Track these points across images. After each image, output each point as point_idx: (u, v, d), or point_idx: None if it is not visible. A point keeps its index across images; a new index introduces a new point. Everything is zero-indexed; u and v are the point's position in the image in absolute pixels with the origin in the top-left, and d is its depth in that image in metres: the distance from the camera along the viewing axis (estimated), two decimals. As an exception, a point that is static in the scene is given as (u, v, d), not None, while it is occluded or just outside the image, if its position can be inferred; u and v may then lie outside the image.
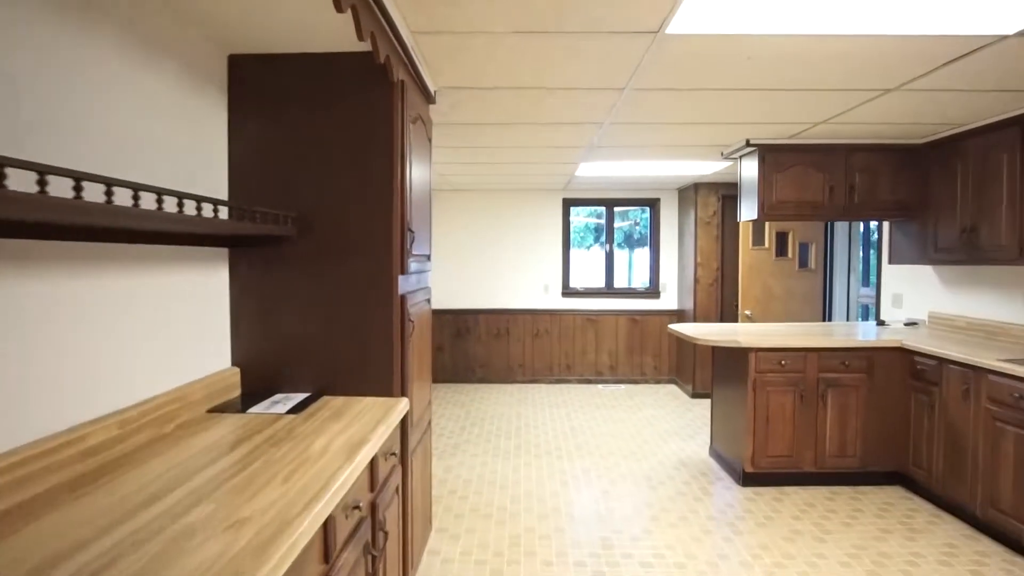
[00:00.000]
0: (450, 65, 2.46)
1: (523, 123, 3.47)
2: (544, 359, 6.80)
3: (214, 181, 2.08)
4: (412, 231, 2.22)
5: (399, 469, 2.11)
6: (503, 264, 6.79)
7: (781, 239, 5.73)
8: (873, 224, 5.97)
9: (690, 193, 6.19)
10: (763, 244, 5.70)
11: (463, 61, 2.41)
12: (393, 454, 1.98)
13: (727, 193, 6.01)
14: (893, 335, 3.86)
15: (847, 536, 3.07)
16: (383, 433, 1.80)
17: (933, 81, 2.65)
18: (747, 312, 5.63)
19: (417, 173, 2.40)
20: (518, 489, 3.73)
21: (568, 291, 6.79)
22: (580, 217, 8.85)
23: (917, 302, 4.38)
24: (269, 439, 1.65)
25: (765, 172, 3.90)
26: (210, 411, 1.95)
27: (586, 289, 6.83)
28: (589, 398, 6.13)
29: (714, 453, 4.26)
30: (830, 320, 5.90)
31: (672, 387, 6.63)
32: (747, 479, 3.69)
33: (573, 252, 6.96)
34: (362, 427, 1.79)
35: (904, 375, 3.61)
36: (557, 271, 6.79)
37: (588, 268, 7.49)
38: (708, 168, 5.12)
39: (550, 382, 6.80)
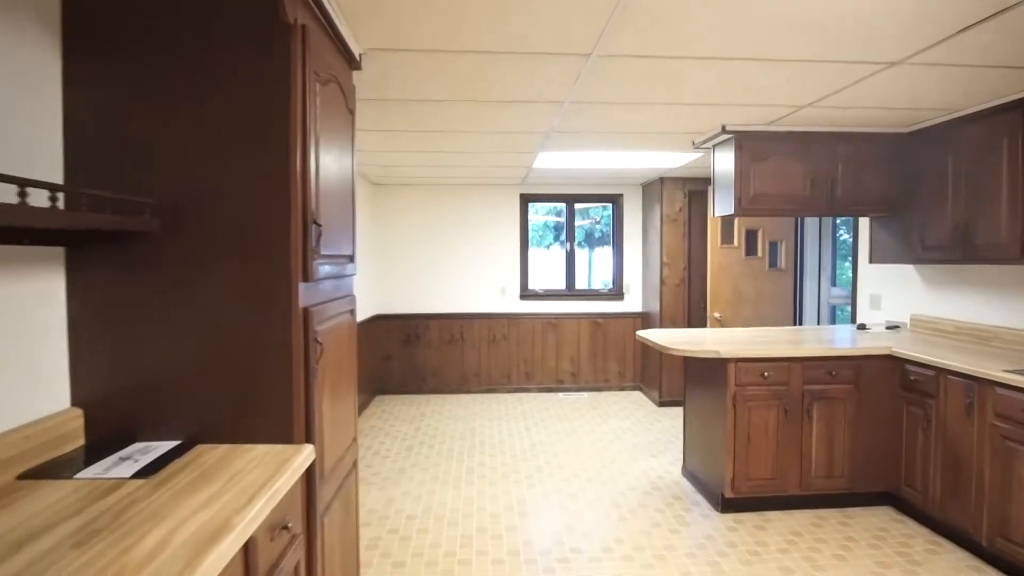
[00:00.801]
0: (372, 15, 1.94)
1: (469, 100, 2.97)
2: (502, 366, 6.32)
3: (41, 156, 1.51)
4: (319, 224, 1.70)
5: (300, 542, 1.59)
6: (456, 265, 6.28)
7: (751, 237, 5.41)
8: (839, 221, 5.74)
9: (655, 188, 5.82)
10: (732, 242, 5.38)
11: (388, 10, 1.90)
12: (286, 528, 1.46)
13: (694, 188, 5.66)
14: (876, 340, 3.54)
15: (842, 571, 2.70)
16: (267, 502, 1.28)
17: (942, 54, 2.29)
18: (716, 315, 5.30)
19: (331, 151, 1.88)
20: (470, 525, 3.23)
21: (527, 293, 6.33)
22: (539, 216, 8.43)
23: (897, 304, 4.10)
24: (79, 532, 1.11)
25: (742, 163, 3.52)
26: (23, 476, 1.38)
27: (546, 291, 6.39)
28: (550, 408, 5.69)
29: (687, 473, 3.87)
30: (801, 323, 5.63)
31: (637, 394, 6.26)
32: (727, 504, 3.30)
33: (532, 252, 6.50)
34: (237, 496, 1.27)
35: (894, 386, 3.29)
36: (515, 272, 6.32)
37: (548, 269, 7.06)
38: (676, 160, 4.74)
39: (508, 391, 6.33)
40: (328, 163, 1.84)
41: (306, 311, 1.65)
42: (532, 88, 2.77)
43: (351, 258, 2.21)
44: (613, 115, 3.29)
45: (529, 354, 6.33)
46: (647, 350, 6.14)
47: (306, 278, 1.64)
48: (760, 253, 5.41)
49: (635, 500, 3.54)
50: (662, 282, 5.71)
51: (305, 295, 1.66)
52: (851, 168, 3.57)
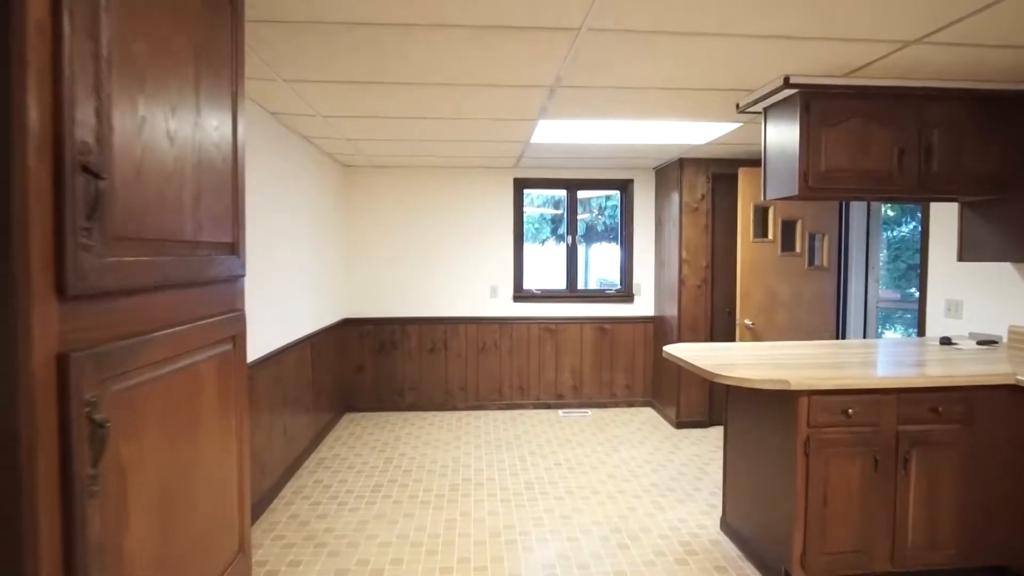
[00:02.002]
0: None
1: (436, 25, 2.09)
2: (492, 379, 5.45)
3: None
4: (100, 177, 0.81)
5: None
6: (440, 262, 5.39)
7: (787, 229, 4.57)
8: (887, 208, 4.90)
9: (672, 172, 4.96)
10: (766, 236, 4.53)
11: None
12: None
13: (719, 171, 4.80)
14: (988, 364, 2.70)
15: None
16: None
17: None
18: (748, 322, 4.45)
19: (157, 37, 0.99)
20: (446, 617, 2.36)
21: (521, 295, 5.45)
22: (535, 208, 7.54)
23: (987, 312, 3.26)
24: None
25: (810, 128, 2.66)
26: None
27: (543, 292, 5.52)
28: (549, 430, 4.82)
29: (729, 529, 3.01)
30: (844, 332, 4.79)
31: (649, 412, 5.41)
32: (793, 585, 2.45)
33: (527, 248, 5.63)
34: None
35: (1020, 427, 2.45)
36: (507, 270, 5.44)
37: (545, 267, 6.19)
38: (704, 134, 3.88)
39: (500, 408, 5.46)
40: (144, 55, 0.95)
41: (62, 360, 0.77)
42: (531, 12, 1.89)
43: (233, 249, 1.31)
44: (634, 64, 2.41)
45: (524, 365, 5.47)
46: (661, 360, 5.29)
47: (62, 287, 0.76)
48: (798, 248, 4.56)
49: (664, 571, 2.69)
50: (680, 282, 4.85)
51: (64, 324, 0.77)
52: (951, 136, 2.72)
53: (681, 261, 4.84)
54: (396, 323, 5.36)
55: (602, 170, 5.40)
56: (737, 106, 3.07)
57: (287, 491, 3.60)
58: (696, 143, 4.16)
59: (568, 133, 3.85)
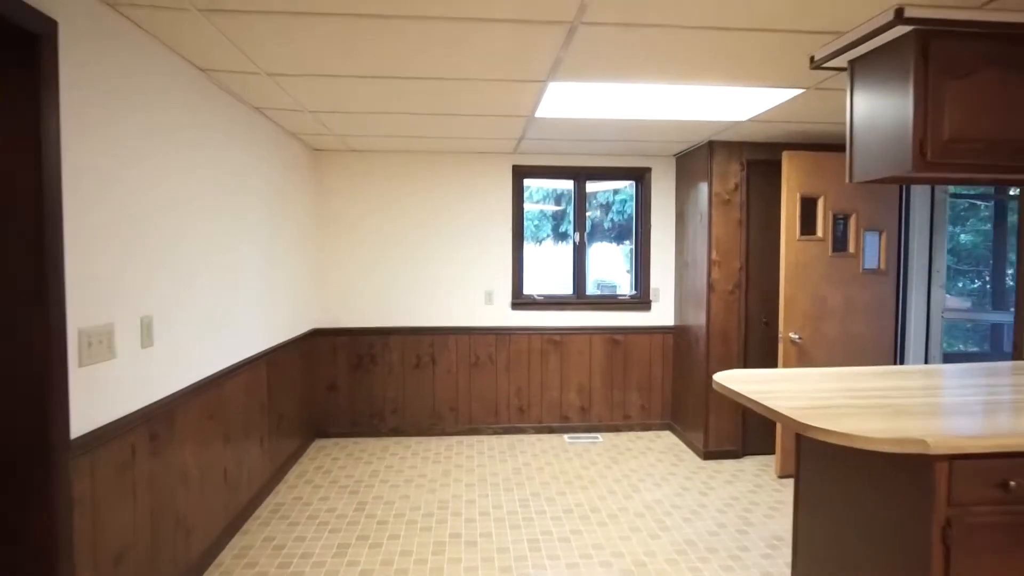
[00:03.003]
0: None
1: None
2: (487, 399, 4.70)
3: None
4: None
5: None
6: (426, 263, 4.63)
7: (839, 226, 3.85)
8: (952, 200, 4.19)
9: (699, 158, 4.22)
10: (813, 232, 3.80)
11: None
12: None
13: (755, 157, 4.07)
14: None
15: None
16: None
17: None
18: (794, 335, 3.72)
19: None
20: None
21: (521, 301, 4.70)
22: (532, 203, 6.78)
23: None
24: None
25: (929, 80, 1.92)
26: None
27: (547, 298, 4.77)
28: (553, 461, 4.08)
29: (803, 619, 2.28)
30: (903, 348, 4.05)
31: (668, 437, 4.67)
32: None
33: (528, 248, 4.88)
34: None
35: None
36: (505, 273, 4.69)
37: (547, 269, 5.46)
38: (752, 105, 3.14)
39: (496, 432, 4.70)
40: None
41: None
42: None
43: None
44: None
45: (524, 382, 4.72)
46: (682, 377, 4.55)
47: None
48: (852, 248, 3.84)
49: None
50: (710, 287, 4.12)
51: None
52: (1119, 92, 2.00)
53: (711, 262, 4.10)
54: (376, 334, 4.60)
55: (615, 156, 4.66)
56: (811, 60, 2.33)
57: (226, 555, 2.83)
58: (735, 119, 3.42)
59: (581, 105, 3.11)
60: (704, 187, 4.14)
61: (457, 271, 4.63)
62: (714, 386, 2.37)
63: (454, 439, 4.60)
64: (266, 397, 3.50)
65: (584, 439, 4.61)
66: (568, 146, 4.30)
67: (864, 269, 3.86)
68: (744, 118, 3.39)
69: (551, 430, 4.74)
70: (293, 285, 3.99)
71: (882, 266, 3.89)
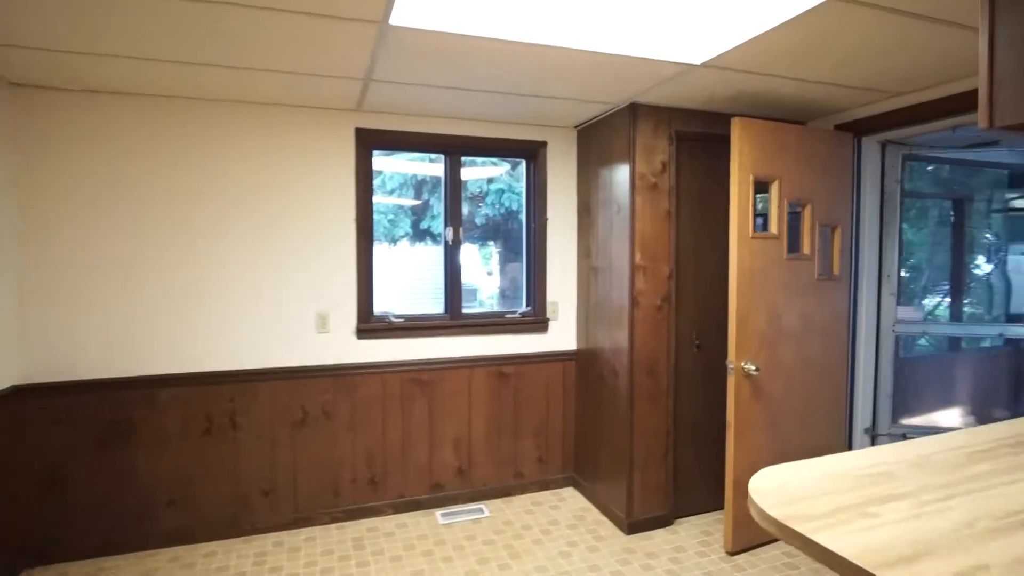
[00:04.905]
0: None
1: None
2: (321, 472, 3.20)
3: None
4: None
5: None
6: (219, 273, 3.01)
7: (793, 221, 2.99)
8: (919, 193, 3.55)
9: (615, 129, 3.15)
10: (765, 227, 2.90)
11: None
12: None
13: (686, 129, 3.09)
14: None
15: None
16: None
17: None
18: (749, 366, 2.76)
19: None
20: None
21: (371, 326, 3.27)
22: (385, 196, 5.33)
23: None
24: None
25: None
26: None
27: (409, 321, 3.39)
28: (422, 561, 2.72)
29: None
30: (852, 369, 3.29)
31: (573, 497, 3.54)
32: None
33: (378, 250, 3.48)
34: None
35: None
36: (347, 287, 3.23)
37: (407, 280, 4.08)
38: (719, 38, 2.09)
39: (335, 519, 3.22)
40: None
41: None
42: None
43: None
44: None
45: (377, 442, 3.29)
46: (586, 416, 3.45)
47: None
48: (806, 249, 3.00)
49: None
50: (633, 301, 3.05)
51: None
52: None
53: (633, 268, 3.04)
54: (135, 387, 2.88)
55: (500, 124, 3.44)
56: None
57: None
58: (685, 61, 2.36)
59: (461, 11, 1.83)
60: (624, 168, 3.07)
61: (271, 285, 3.08)
62: (768, 526, 1.20)
63: (271, 538, 3.04)
64: None
65: (464, 515, 3.31)
66: (437, 101, 2.98)
67: (819, 276, 3.04)
68: (700, 60, 2.34)
69: (418, 506, 3.37)
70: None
71: (836, 270, 3.11)
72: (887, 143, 3.16)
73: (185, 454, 2.96)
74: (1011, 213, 4.65)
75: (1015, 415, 4.65)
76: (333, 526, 3.17)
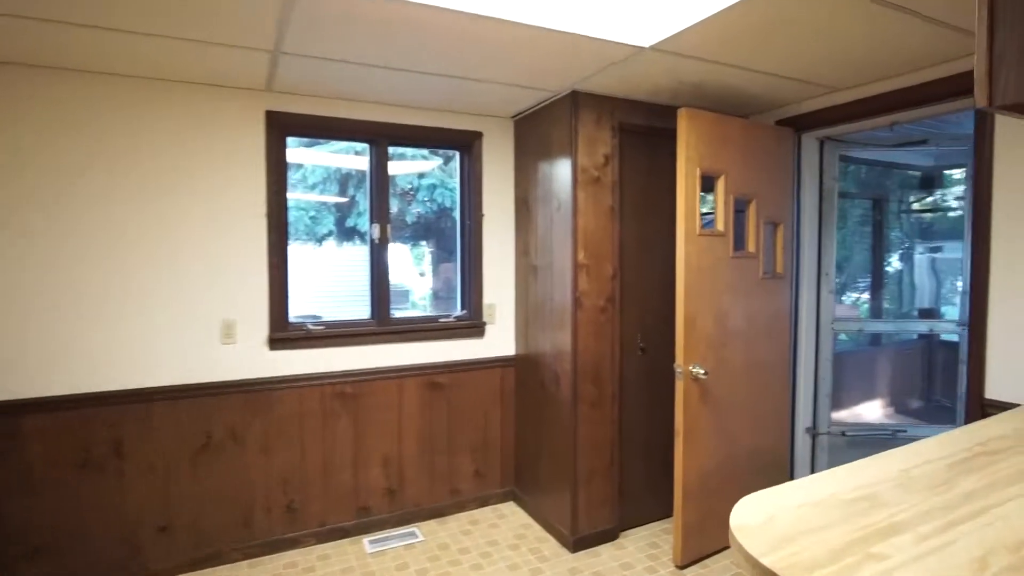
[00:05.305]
0: None
1: None
2: (230, 502, 2.80)
3: None
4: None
5: None
6: (102, 274, 2.56)
7: (739, 217, 2.88)
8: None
9: (556, 119, 2.94)
10: (715, 226, 2.77)
11: None
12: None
13: (629, 121, 2.92)
14: None
15: None
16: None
17: None
18: (698, 370, 2.63)
19: None
20: None
21: (286, 335, 2.90)
22: (307, 192, 4.90)
23: None
24: None
25: None
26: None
27: (330, 328, 3.04)
28: (352, 610, 2.42)
29: None
30: (794, 368, 3.25)
31: (514, 513, 3.31)
32: None
33: (296, 250, 3.12)
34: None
35: None
36: (257, 291, 2.84)
37: (331, 283, 3.72)
38: (678, 14, 1.92)
39: (248, 554, 2.83)
40: None
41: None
42: None
43: None
44: None
45: (295, 464, 2.93)
46: (527, 424, 3.23)
47: None
48: (751, 246, 2.91)
49: None
50: (576, 302, 2.85)
51: None
52: None
53: (576, 267, 2.84)
54: (-14, 415, 2.39)
55: (432, 112, 3.16)
56: None
57: None
58: (633, 43, 2.18)
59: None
60: (565, 161, 2.86)
61: (168, 289, 2.65)
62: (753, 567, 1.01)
63: (168, 584, 2.62)
64: None
65: (395, 540, 3.00)
66: (359, 82, 2.67)
67: (764, 275, 2.96)
68: (648, 43, 2.16)
69: (343, 533, 3.03)
70: None
71: (779, 269, 3.05)
72: (826, 140, 3.13)
73: (58, 492, 2.49)
74: (915, 214, 4.87)
75: (929, 404, 4.90)
76: (245, 563, 2.79)
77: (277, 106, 2.80)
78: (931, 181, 4.82)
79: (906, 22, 1.96)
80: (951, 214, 4.85)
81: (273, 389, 2.86)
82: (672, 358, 2.99)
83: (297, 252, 4.36)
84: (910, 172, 4.71)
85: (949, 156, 4.35)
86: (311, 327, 2.94)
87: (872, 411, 4.32)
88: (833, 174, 3.19)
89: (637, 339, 3.09)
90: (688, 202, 2.59)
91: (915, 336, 4.61)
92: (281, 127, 2.84)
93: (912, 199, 4.78)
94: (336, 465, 3.01)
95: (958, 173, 4.89)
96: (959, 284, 5.01)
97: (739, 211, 2.89)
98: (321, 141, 3.79)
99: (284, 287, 2.89)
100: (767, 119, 3.15)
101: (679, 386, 2.64)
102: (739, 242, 2.89)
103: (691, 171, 2.59)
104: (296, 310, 2.99)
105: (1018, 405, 2.16)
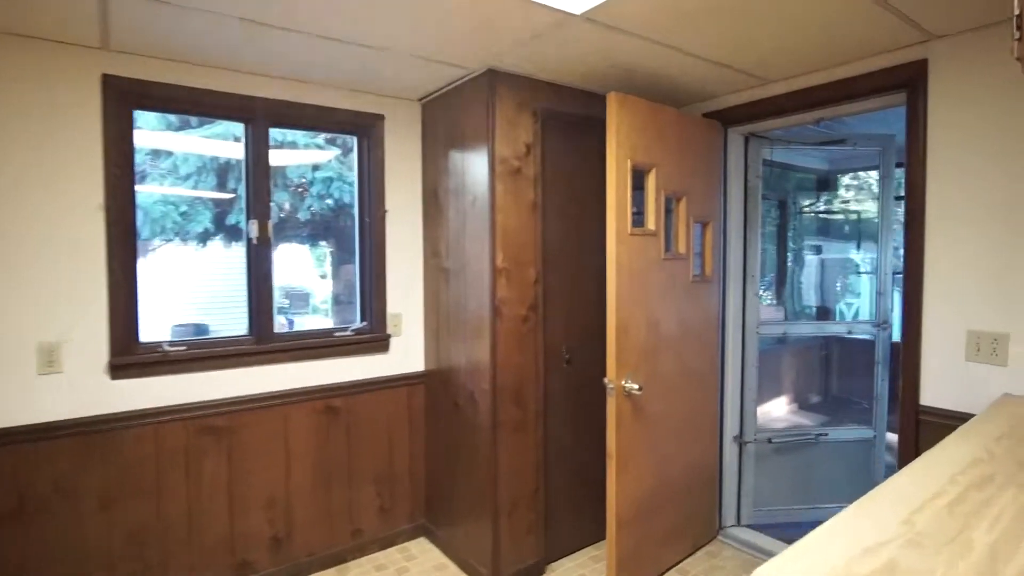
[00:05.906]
0: None
1: None
2: (63, 564, 2.17)
3: None
4: None
5: None
6: None
7: (667, 217, 2.65)
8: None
9: (471, 100, 2.57)
10: (646, 224, 2.52)
11: None
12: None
13: (554, 107, 2.61)
14: None
15: None
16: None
17: None
18: (631, 385, 2.36)
19: None
20: None
21: (133, 360, 2.30)
22: (177, 186, 4.14)
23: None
24: None
25: None
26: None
27: (194, 348, 2.47)
28: None
29: None
30: (722, 376, 3.09)
31: (427, 551, 2.90)
32: None
33: (162, 252, 2.52)
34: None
35: None
36: (94, 307, 2.23)
37: (206, 294, 3.13)
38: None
39: (84, 640, 2.22)
40: None
41: None
42: None
43: None
44: None
45: (150, 518, 2.34)
46: (439, 447, 2.84)
47: None
48: (681, 247, 2.69)
49: None
50: (495, 311, 2.50)
51: None
52: None
53: (495, 271, 2.48)
54: None
55: (322, 88, 2.67)
56: None
57: None
58: (564, 8, 1.86)
59: None
60: (481, 148, 2.50)
61: (-43, 304, 1.99)
62: None
63: None
64: None
65: (284, 600, 2.50)
66: (224, 42, 2.15)
67: (694, 278, 2.76)
68: (580, 8, 1.85)
69: (216, 598, 2.48)
70: None
71: (708, 271, 2.87)
72: (751, 136, 2.99)
73: None
74: (811, 215, 5.01)
75: (826, 399, 5.06)
76: (78, 653, 2.18)
77: (118, 70, 2.21)
78: (826, 184, 4.96)
79: (858, 3, 1.79)
80: (835, 216, 5.05)
81: (118, 428, 2.26)
82: (600, 368, 2.72)
83: (162, 255, 3.66)
84: (805, 175, 4.81)
85: (850, 160, 4.46)
86: (168, 348, 2.37)
87: (778, 408, 4.34)
88: (757, 172, 3.07)
89: (563, 350, 2.79)
90: (619, 197, 2.32)
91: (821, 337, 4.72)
92: (125, 97, 2.25)
93: (807, 201, 4.90)
94: (205, 514, 2.46)
95: (847, 179, 5.10)
96: (847, 283, 5.22)
97: (667, 210, 2.66)
98: (192, 124, 3.19)
99: (132, 299, 2.30)
100: (694, 112, 2.96)
101: (611, 404, 2.36)
102: (668, 242, 2.66)
103: (622, 163, 2.32)
104: (156, 327, 2.40)
105: (953, 412, 2.08)
